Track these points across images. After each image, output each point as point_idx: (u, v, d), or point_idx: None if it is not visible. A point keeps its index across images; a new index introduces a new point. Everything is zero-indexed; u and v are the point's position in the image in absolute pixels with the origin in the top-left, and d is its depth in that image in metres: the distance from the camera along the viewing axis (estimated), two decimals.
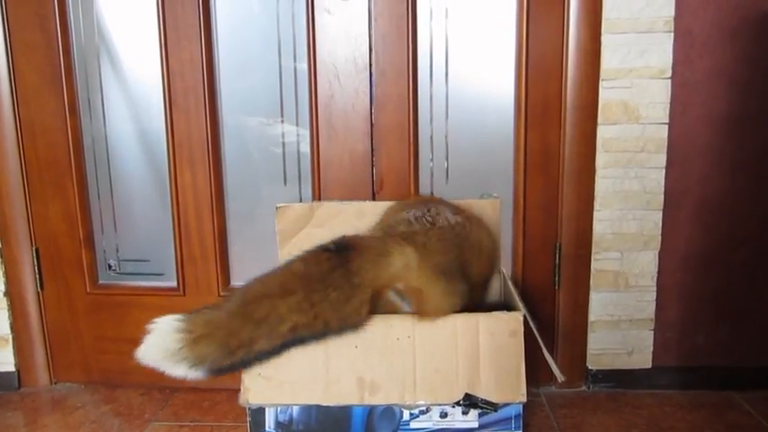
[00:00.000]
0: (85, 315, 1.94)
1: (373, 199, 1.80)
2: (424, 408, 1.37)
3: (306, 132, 1.81)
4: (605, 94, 1.68)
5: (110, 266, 1.96)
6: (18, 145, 1.85)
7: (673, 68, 1.66)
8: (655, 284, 1.77)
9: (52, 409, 1.84)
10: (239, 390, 1.39)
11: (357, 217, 1.67)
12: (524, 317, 1.37)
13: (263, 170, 1.86)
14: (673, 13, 1.63)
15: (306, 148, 1.83)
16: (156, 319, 1.32)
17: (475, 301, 1.46)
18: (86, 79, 1.85)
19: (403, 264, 1.35)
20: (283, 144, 1.84)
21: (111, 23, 1.83)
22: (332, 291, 1.29)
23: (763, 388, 1.79)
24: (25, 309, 1.93)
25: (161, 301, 1.90)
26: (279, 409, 1.40)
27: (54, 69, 1.81)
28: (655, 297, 1.77)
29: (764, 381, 1.80)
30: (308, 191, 1.84)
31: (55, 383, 1.99)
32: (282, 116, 1.82)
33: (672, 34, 1.64)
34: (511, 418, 1.37)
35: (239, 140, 1.85)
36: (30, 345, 1.96)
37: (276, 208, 1.67)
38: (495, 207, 1.67)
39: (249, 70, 1.81)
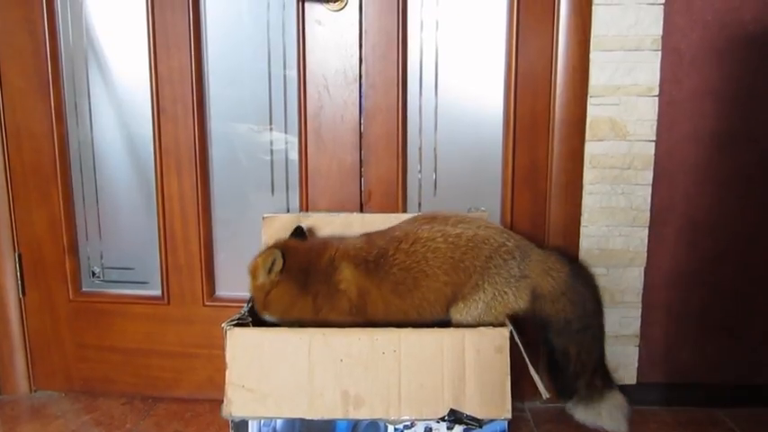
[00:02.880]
0: (67, 322, 1.92)
1: (361, 210, 1.79)
2: (408, 423, 1.37)
3: (294, 140, 1.81)
4: (593, 110, 1.69)
5: (93, 274, 1.94)
6: (3, 150, 1.83)
7: (660, 86, 1.67)
8: (640, 301, 1.77)
9: (31, 417, 1.82)
10: (222, 401, 1.38)
11: (344, 228, 1.67)
12: (510, 332, 1.37)
13: (251, 178, 1.85)
14: (661, 31, 1.64)
15: (294, 155, 1.82)
16: None
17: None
18: (74, 85, 1.84)
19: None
20: (272, 151, 1.83)
21: (99, 29, 1.81)
22: None
23: (748, 405, 1.80)
24: (6, 315, 1.91)
25: (145, 310, 1.88)
26: (262, 422, 1.38)
27: (41, 74, 1.79)
28: (640, 313, 1.78)
29: (749, 398, 1.81)
30: (295, 199, 1.84)
31: (35, 391, 1.96)
32: (271, 123, 1.82)
33: (659, 52, 1.65)
34: None
35: (228, 147, 1.84)
36: (10, 351, 1.93)
37: (263, 218, 1.67)
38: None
39: (239, 77, 1.81)
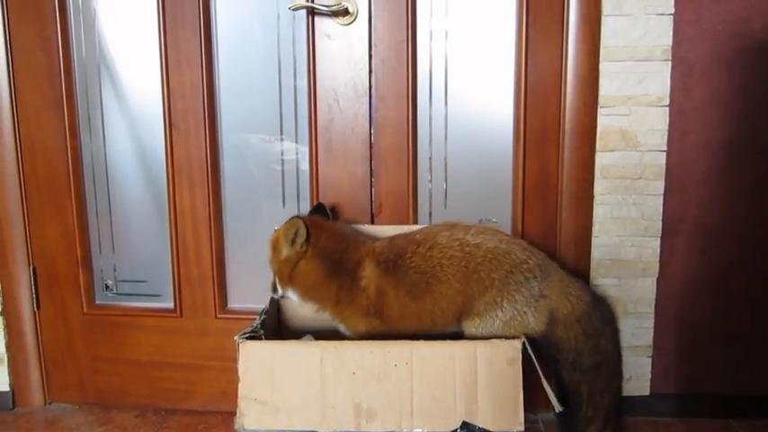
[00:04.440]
0: (81, 335, 1.93)
1: (372, 222, 1.80)
2: None
3: (305, 150, 1.82)
4: (603, 120, 1.69)
5: (107, 287, 1.95)
6: (18, 164, 1.86)
7: (671, 96, 1.67)
8: (653, 311, 1.76)
9: (46, 429, 1.83)
10: (235, 413, 1.38)
11: None
12: (523, 344, 1.37)
13: (262, 189, 1.86)
14: (671, 41, 1.64)
15: (305, 165, 1.83)
16: None
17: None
18: (87, 100, 1.86)
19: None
20: (282, 161, 1.84)
21: (112, 45, 1.84)
22: None
23: (763, 417, 1.78)
24: (21, 328, 1.93)
25: (158, 323, 1.89)
26: None
27: (55, 90, 1.82)
28: (653, 324, 1.77)
29: (764, 409, 1.79)
30: (306, 211, 1.84)
31: (49, 404, 1.98)
32: (282, 134, 1.83)
33: (670, 63, 1.65)
34: None
35: (239, 158, 1.85)
36: (25, 364, 1.94)
37: (275, 231, 1.67)
38: None
39: (250, 88, 1.82)
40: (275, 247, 1.53)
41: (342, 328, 1.55)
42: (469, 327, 1.48)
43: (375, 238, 1.60)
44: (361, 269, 1.49)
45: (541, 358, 1.38)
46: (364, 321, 1.50)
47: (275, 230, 1.56)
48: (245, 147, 1.84)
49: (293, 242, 1.48)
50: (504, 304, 1.45)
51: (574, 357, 1.50)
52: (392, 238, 1.56)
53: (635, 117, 1.68)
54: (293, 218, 1.49)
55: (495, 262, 1.45)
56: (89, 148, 1.88)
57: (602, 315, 1.54)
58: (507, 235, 1.57)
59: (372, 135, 1.78)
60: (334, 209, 1.73)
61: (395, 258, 1.49)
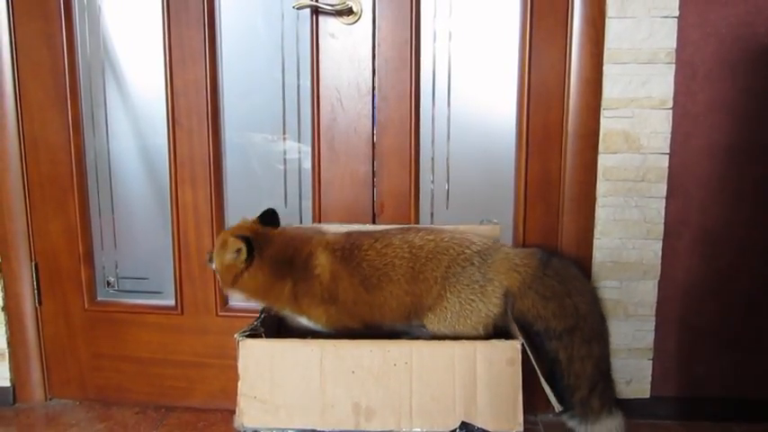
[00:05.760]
0: (83, 331, 1.94)
1: (374, 222, 1.80)
2: None
3: (308, 149, 1.82)
4: (606, 123, 1.69)
5: (108, 283, 1.96)
6: (21, 160, 1.86)
7: (674, 99, 1.67)
8: (654, 314, 1.76)
9: (46, 425, 1.83)
10: (234, 411, 1.38)
11: None
12: (522, 345, 1.36)
13: (264, 188, 1.87)
14: (674, 44, 1.64)
15: (308, 164, 1.83)
16: None
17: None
18: (91, 97, 1.87)
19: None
20: (285, 161, 1.85)
21: (116, 42, 1.84)
22: None
23: (764, 420, 1.78)
24: (23, 324, 1.93)
25: (158, 320, 1.90)
26: None
27: (59, 86, 1.82)
28: (654, 326, 1.77)
29: (764, 413, 1.79)
30: (308, 210, 1.85)
31: (50, 400, 1.98)
32: (285, 132, 1.83)
33: (673, 65, 1.65)
34: None
35: (242, 157, 1.86)
36: (26, 360, 1.95)
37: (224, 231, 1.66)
38: (494, 233, 1.67)
39: (253, 87, 1.82)
40: (218, 251, 1.51)
41: (304, 320, 1.56)
42: (430, 324, 1.49)
43: (325, 232, 1.61)
44: (313, 258, 1.50)
45: (542, 356, 1.37)
46: (322, 309, 1.50)
47: (225, 232, 1.55)
48: (247, 145, 1.85)
49: (236, 257, 1.47)
50: (448, 296, 1.45)
51: (543, 325, 1.46)
52: (348, 232, 1.57)
53: (638, 119, 1.68)
54: (237, 236, 1.46)
55: (435, 260, 1.46)
56: (92, 145, 1.89)
57: (554, 273, 1.48)
58: (454, 231, 1.56)
59: (375, 135, 1.78)
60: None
61: (350, 248, 1.50)
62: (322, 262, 1.49)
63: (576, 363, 1.46)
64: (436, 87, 1.78)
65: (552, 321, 1.45)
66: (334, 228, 1.65)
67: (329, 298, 1.50)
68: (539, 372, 1.35)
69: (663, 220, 1.72)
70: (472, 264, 1.46)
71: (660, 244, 1.73)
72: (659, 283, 1.75)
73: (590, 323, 1.47)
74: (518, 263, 1.48)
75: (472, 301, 1.45)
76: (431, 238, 1.50)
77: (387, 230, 1.56)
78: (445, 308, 1.47)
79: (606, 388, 1.48)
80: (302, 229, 1.66)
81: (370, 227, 1.67)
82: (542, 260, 1.48)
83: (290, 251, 1.51)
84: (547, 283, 1.46)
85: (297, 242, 1.54)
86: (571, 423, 1.48)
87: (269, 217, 1.58)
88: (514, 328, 1.43)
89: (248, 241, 1.46)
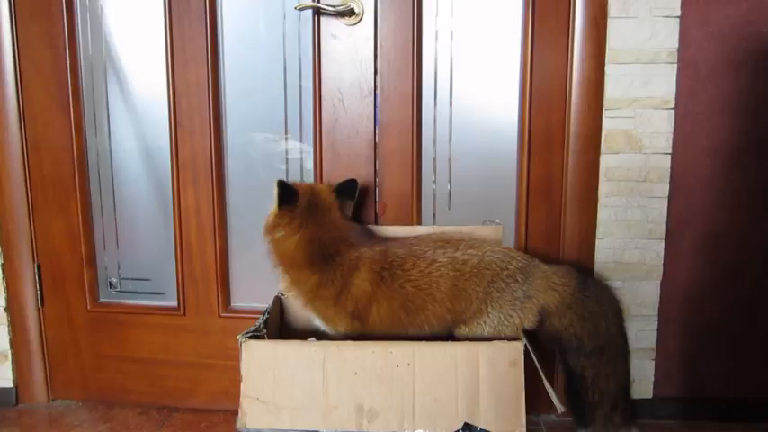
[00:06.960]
0: (85, 332, 1.94)
1: (375, 223, 1.80)
2: None
3: (310, 149, 1.82)
4: (608, 123, 1.69)
5: (111, 284, 1.96)
6: (23, 162, 1.86)
7: (676, 99, 1.67)
8: (656, 314, 1.76)
9: (49, 426, 1.84)
10: (237, 412, 1.38)
11: None
12: (525, 346, 1.37)
13: (266, 188, 1.85)
14: (677, 44, 1.64)
15: (309, 165, 1.83)
16: None
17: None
18: (93, 98, 1.86)
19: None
20: (287, 161, 1.85)
21: (118, 43, 1.84)
22: None
23: (766, 420, 1.78)
24: (25, 324, 1.93)
25: (161, 321, 1.90)
26: None
27: (61, 87, 1.82)
28: (656, 327, 1.77)
29: (767, 413, 1.79)
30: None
31: (53, 400, 1.98)
32: (287, 133, 1.83)
33: (676, 65, 1.65)
34: None
35: (244, 157, 1.86)
36: (29, 361, 1.95)
37: None
38: (497, 234, 1.67)
39: (255, 87, 1.82)
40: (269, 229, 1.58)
41: (314, 317, 1.58)
42: (459, 333, 1.52)
43: (369, 238, 1.61)
44: (357, 273, 1.50)
45: (545, 357, 1.38)
46: (346, 322, 1.52)
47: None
48: (249, 146, 1.85)
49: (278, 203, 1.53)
50: (489, 310, 1.49)
51: (576, 343, 1.51)
52: (388, 245, 1.56)
53: (640, 120, 1.67)
54: (280, 180, 1.53)
55: (479, 276, 1.49)
56: (94, 146, 1.89)
57: (593, 295, 1.54)
58: (494, 244, 1.58)
59: (377, 135, 1.78)
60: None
61: (391, 268, 1.50)
62: (361, 281, 1.50)
63: (601, 380, 1.51)
64: (438, 88, 1.78)
65: (585, 340, 1.50)
66: (384, 231, 1.70)
67: (358, 315, 1.51)
68: (541, 373, 1.35)
69: (665, 221, 1.72)
70: (516, 281, 1.50)
71: (662, 244, 1.73)
72: (662, 283, 1.75)
73: (617, 343, 1.54)
74: (556, 281, 1.52)
75: (511, 316, 1.49)
76: (473, 252, 1.52)
77: (425, 242, 1.56)
78: (484, 322, 1.49)
79: (627, 407, 1.55)
80: (357, 229, 1.63)
81: (418, 228, 1.72)
82: (580, 280, 1.54)
83: (334, 249, 1.52)
84: (586, 305, 1.52)
85: (346, 245, 1.53)
86: None
87: (346, 186, 1.61)
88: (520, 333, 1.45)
89: (282, 185, 1.50)
